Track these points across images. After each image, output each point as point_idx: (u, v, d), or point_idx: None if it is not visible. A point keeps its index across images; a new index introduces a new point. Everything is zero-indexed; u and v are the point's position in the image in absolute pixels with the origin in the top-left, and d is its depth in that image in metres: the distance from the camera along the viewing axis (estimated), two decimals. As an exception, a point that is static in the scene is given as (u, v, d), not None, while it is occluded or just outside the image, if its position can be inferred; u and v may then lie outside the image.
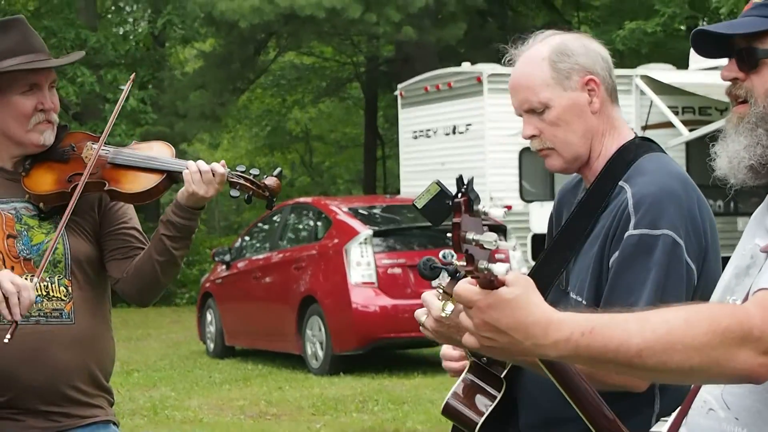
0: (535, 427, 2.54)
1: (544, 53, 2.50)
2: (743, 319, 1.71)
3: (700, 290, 2.37)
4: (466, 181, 1.69)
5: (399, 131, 16.79)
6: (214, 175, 3.04)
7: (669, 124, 14.60)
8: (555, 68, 2.49)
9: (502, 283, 1.65)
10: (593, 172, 2.54)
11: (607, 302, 2.36)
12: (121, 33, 26.37)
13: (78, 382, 3.05)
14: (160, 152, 3.19)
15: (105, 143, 3.15)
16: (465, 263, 1.64)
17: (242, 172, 3.13)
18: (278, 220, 13.63)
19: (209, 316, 14.39)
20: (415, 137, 16.08)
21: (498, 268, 1.63)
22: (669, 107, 14.67)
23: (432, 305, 2.23)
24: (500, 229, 10.38)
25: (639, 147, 2.54)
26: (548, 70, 2.49)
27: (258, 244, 14.30)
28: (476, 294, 1.66)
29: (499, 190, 14.33)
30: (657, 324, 1.70)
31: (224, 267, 13.98)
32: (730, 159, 1.90)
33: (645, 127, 14.26)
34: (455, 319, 1.97)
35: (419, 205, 2.42)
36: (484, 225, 1.69)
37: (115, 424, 3.17)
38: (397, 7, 19.20)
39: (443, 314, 2.16)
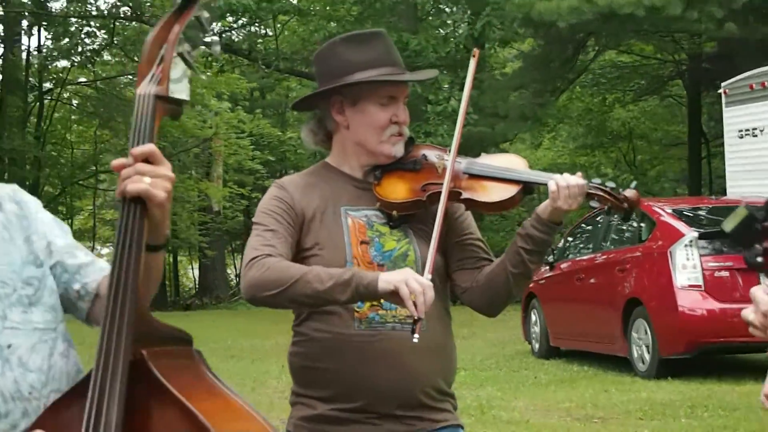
0: None
1: None
2: None
3: None
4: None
5: (724, 130, 16.27)
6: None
7: None
8: None
9: None
10: None
11: None
12: (441, 35, 26.94)
13: (429, 387, 3.10)
14: (514, 163, 3.19)
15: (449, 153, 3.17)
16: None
17: (599, 184, 3.09)
18: (601, 221, 13.58)
19: (533, 317, 14.53)
20: (741, 136, 15.51)
21: None
22: None
23: (760, 300, 2.15)
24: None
25: None
26: None
27: (581, 245, 14.29)
28: None
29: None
30: None
31: (547, 268, 14.08)
32: None
33: None
34: None
35: (727, 229, 2.36)
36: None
37: (461, 427, 3.21)
38: (720, 3, 18.57)
39: None
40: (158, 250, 2.34)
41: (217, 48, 2.37)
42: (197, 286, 36.59)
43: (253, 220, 3.17)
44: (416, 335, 2.81)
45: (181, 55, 2.26)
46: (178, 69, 2.25)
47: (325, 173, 3.26)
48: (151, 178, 2.17)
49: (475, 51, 3.35)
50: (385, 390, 3.04)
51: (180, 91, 2.25)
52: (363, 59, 3.14)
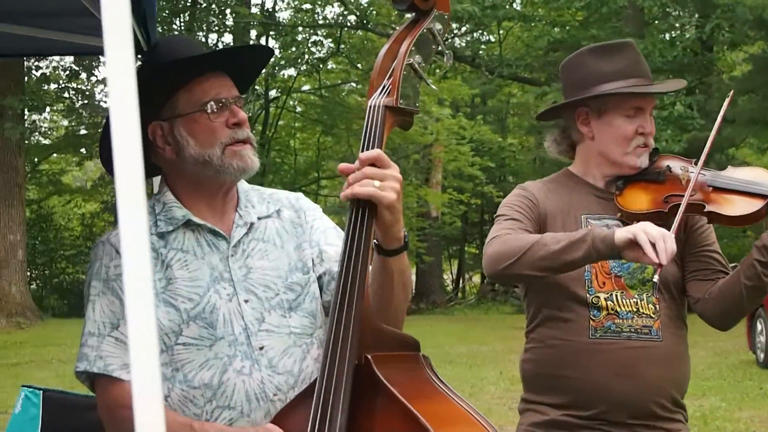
0: None
1: None
2: None
3: None
4: None
5: None
6: None
7: None
8: None
9: None
10: None
11: None
12: (667, 39, 26.33)
13: (662, 397, 3.09)
14: (760, 176, 3.12)
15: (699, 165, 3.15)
16: None
17: None
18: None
19: (759, 326, 14.05)
20: None
21: None
22: None
23: None
24: None
25: None
26: None
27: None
28: None
29: None
30: None
31: None
32: None
33: None
34: None
35: None
36: None
37: None
38: None
39: None
40: (396, 254, 2.36)
41: (449, 59, 2.42)
42: (414, 291, 36.96)
43: (496, 214, 3.20)
44: (656, 277, 2.86)
45: (411, 66, 2.31)
46: (408, 81, 2.30)
47: (567, 181, 3.27)
48: (380, 181, 2.19)
49: (731, 93, 3.45)
50: (619, 399, 3.04)
51: (410, 102, 2.30)
52: (610, 70, 3.14)
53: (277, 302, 2.56)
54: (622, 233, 2.79)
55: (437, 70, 30.00)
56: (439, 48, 2.38)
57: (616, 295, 3.07)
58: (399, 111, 2.29)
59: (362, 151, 2.23)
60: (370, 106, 2.27)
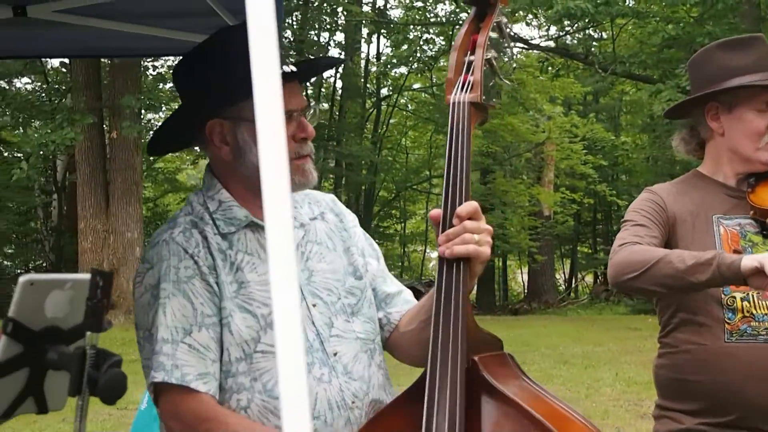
0: None
1: None
2: None
3: None
4: None
5: None
6: None
7: None
8: None
9: None
10: None
11: None
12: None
13: None
14: None
15: None
16: None
17: None
18: None
19: None
20: None
21: None
22: None
23: None
24: None
25: None
26: None
27: None
28: None
29: None
30: None
31: None
32: None
33: None
34: None
35: None
36: None
37: None
38: None
39: None
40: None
41: (514, 54, 2.36)
42: (526, 291, 36.73)
43: (623, 219, 3.15)
44: None
45: (489, 61, 2.28)
46: (487, 75, 2.27)
47: (697, 182, 3.21)
48: (479, 236, 2.14)
49: None
50: (757, 404, 2.96)
51: (490, 97, 2.27)
52: (740, 64, 3.08)
53: (341, 307, 2.52)
54: (748, 261, 2.71)
55: (549, 68, 29.79)
56: (506, 42, 2.34)
57: (753, 296, 2.99)
58: (482, 107, 2.25)
59: (451, 151, 2.17)
60: (454, 103, 2.22)
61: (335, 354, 2.46)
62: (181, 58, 2.58)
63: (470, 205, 2.15)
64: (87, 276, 1.80)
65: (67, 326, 1.88)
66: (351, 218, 2.71)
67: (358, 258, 2.62)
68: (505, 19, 2.33)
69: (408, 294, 2.69)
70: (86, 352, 1.78)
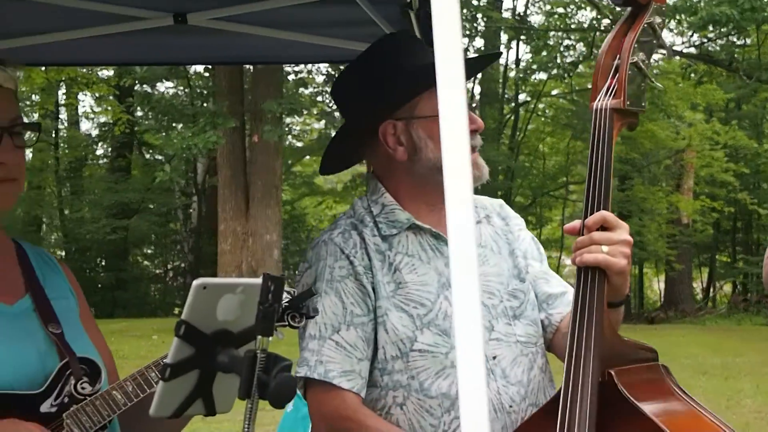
0: None
1: None
2: None
3: None
4: None
5: None
6: None
7: None
8: None
9: None
10: None
11: None
12: None
13: None
14: None
15: None
16: None
17: None
18: None
19: None
20: None
21: None
22: None
23: None
24: None
25: None
26: None
27: None
28: None
29: None
30: None
31: None
32: None
33: None
34: None
35: None
36: None
37: None
38: None
39: None
40: (614, 307, 2.30)
41: (670, 55, 2.30)
42: (662, 299, 36.02)
43: None
44: None
45: (636, 64, 2.23)
46: (634, 80, 2.22)
47: None
48: (609, 246, 2.13)
49: None
50: None
51: (637, 102, 2.22)
52: None
53: (502, 310, 2.53)
54: None
55: (692, 75, 29.19)
56: (660, 43, 2.28)
57: None
58: (626, 112, 2.22)
59: (591, 156, 2.16)
60: (596, 109, 2.19)
61: (494, 357, 2.48)
62: (342, 70, 2.64)
63: (598, 215, 2.15)
64: (258, 281, 1.84)
65: (237, 330, 1.93)
66: (518, 222, 2.73)
67: (521, 260, 2.64)
68: (659, 20, 2.27)
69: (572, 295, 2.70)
70: (257, 355, 1.83)
